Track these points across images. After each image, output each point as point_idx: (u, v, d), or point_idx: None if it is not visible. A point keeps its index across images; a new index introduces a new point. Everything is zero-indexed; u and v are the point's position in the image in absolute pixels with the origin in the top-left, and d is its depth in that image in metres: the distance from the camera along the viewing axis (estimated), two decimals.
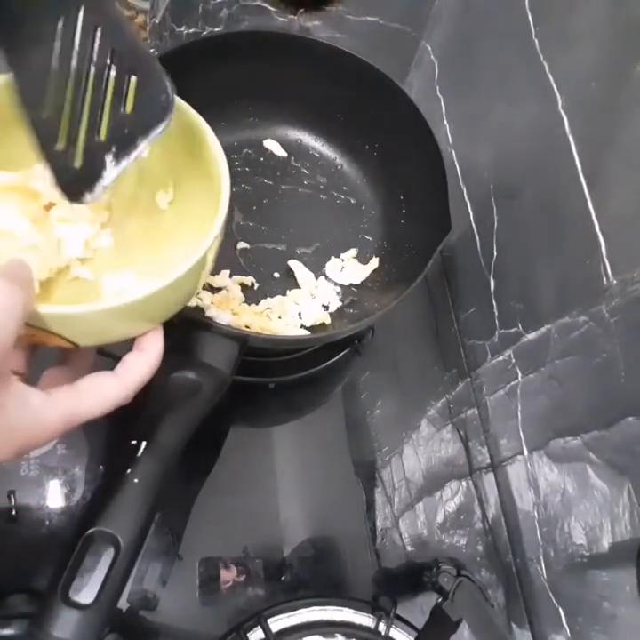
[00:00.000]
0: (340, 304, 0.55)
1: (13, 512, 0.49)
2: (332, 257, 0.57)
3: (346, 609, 0.48)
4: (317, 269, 0.56)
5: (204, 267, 0.34)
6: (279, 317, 0.52)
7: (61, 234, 0.36)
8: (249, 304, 0.52)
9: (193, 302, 0.49)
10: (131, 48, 0.30)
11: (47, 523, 0.49)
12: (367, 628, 0.48)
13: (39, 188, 0.36)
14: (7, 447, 0.27)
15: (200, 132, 0.37)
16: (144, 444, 0.36)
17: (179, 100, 0.36)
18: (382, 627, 0.47)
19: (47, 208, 0.37)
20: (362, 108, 0.58)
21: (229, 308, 0.50)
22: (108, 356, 0.39)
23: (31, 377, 0.32)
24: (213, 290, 0.52)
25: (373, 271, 0.57)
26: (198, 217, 0.36)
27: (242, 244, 0.56)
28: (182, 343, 0.42)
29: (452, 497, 0.59)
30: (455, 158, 0.65)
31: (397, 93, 0.54)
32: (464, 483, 0.59)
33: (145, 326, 0.33)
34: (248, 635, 0.46)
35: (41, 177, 0.36)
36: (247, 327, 0.49)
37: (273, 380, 0.58)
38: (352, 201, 0.61)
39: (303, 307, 0.53)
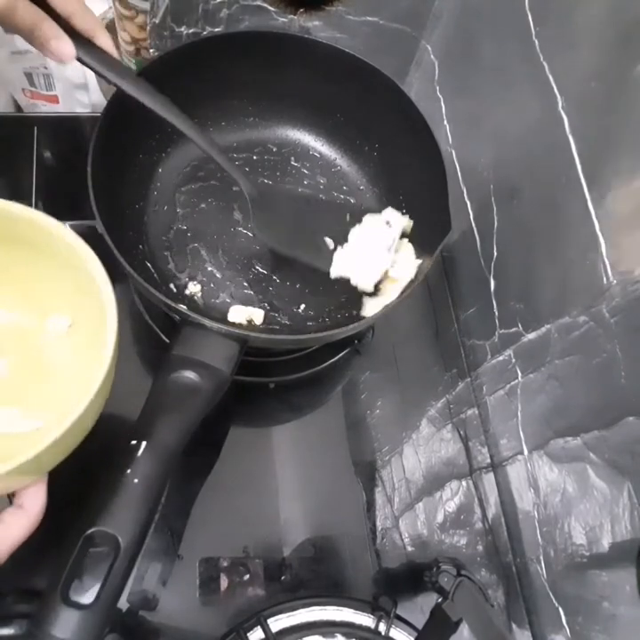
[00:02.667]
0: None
1: None
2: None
3: (346, 609, 0.48)
4: None
5: (96, 405, 0.32)
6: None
7: None
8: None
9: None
10: None
11: (47, 523, 0.49)
12: (367, 628, 0.48)
13: None
14: None
15: (86, 263, 0.35)
16: (144, 443, 0.36)
17: (67, 231, 0.35)
18: (382, 627, 0.47)
19: None
20: (362, 108, 0.58)
21: None
22: None
23: None
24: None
25: None
26: (92, 347, 0.34)
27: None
28: (182, 343, 0.42)
29: (452, 497, 0.59)
30: (455, 158, 0.65)
31: (397, 93, 0.54)
32: (464, 483, 0.59)
33: (27, 480, 0.30)
34: (248, 635, 0.46)
35: None
36: (249, 322, 0.49)
37: (273, 380, 0.58)
38: (352, 201, 0.61)
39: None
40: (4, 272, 0.38)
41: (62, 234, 0.35)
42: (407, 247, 0.54)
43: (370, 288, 0.52)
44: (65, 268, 0.36)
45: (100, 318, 0.34)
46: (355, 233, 0.53)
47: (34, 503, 0.30)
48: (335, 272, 0.52)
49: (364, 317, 0.52)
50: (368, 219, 0.54)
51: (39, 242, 0.35)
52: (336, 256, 0.52)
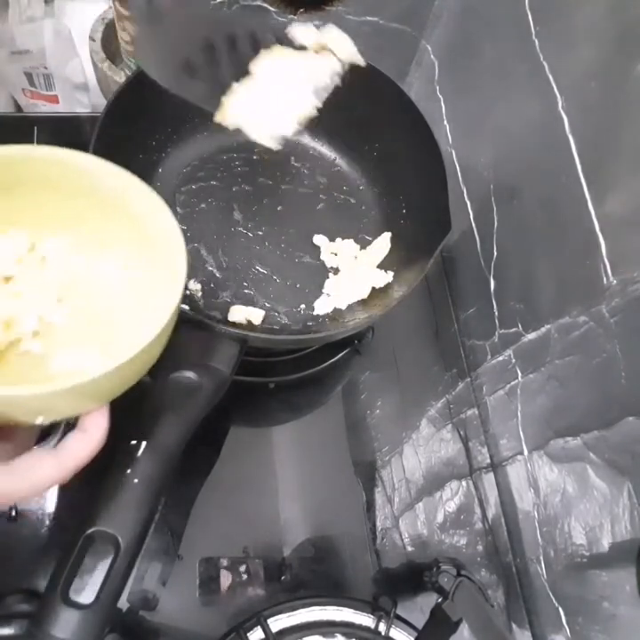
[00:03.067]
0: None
1: (13, 512, 0.49)
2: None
3: (346, 609, 0.48)
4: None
5: (158, 344, 0.32)
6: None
7: (15, 308, 0.36)
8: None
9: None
10: None
11: (47, 523, 0.49)
12: (367, 628, 0.48)
13: None
14: None
15: (154, 207, 0.35)
16: (144, 443, 0.36)
17: (132, 178, 0.35)
18: (382, 627, 0.47)
19: (5, 281, 0.36)
20: (362, 108, 0.58)
21: None
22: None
23: None
24: None
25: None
26: (160, 289, 0.35)
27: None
28: (182, 343, 0.42)
29: (452, 497, 0.59)
30: (455, 158, 0.65)
31: (397, 93, 0.54)
32: (464, 483, 0.59)
33: (90, 406, 0.32)
34: (248, 635, 0.46)
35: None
36: (249, 322, 0.49)
37: (273, 380, 0.58)
38: (352, 201, 0.61)
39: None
40: (58, 216, 0.38)
41: (124, 177, 0.35)
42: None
43: (272, 145, 0.40)
44: (135, 214, 0.37)
45: (159, 254, 0.35)
46: (263, 63, 0.39)
47: (96, 427, 0.31)
48: (226, 119, 0.39)
49: (363, 317, 0.52)
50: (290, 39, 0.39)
51: (96, 186, 0.36)
52: (232, 98, 0.39)
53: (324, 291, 0.55)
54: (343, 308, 0.54)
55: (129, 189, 0.35)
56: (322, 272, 0.56)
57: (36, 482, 0.30)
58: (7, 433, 0.32)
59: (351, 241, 0.58)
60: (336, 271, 0.56)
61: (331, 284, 0.55)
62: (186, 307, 0.43)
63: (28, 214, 0.37)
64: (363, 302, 0.55)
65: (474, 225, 0.63)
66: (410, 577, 0.55)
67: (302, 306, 0.54)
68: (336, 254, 0.57)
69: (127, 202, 0.36)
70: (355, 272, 0.56)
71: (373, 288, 0.55)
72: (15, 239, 0.37)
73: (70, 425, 0.33)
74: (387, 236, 0.57)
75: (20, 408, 0.29)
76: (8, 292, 0.36)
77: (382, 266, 0.56)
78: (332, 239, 0.58)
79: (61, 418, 0.32)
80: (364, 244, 0.58)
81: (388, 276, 0.55)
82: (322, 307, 0.54)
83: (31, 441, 0.33)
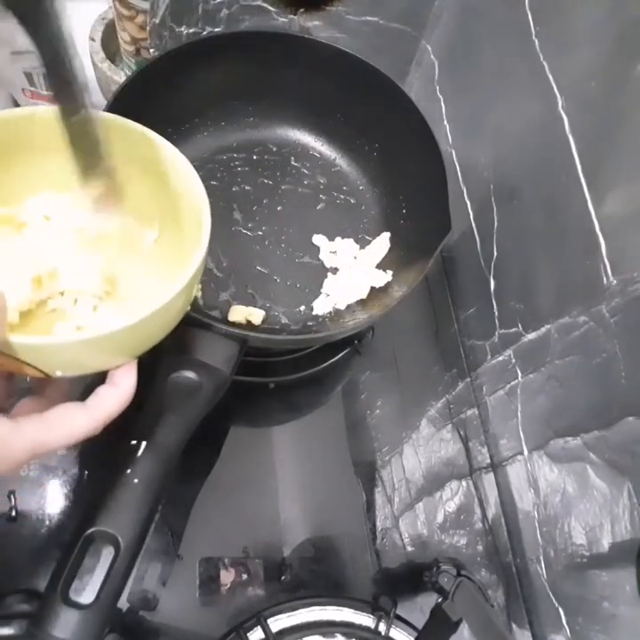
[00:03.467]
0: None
1: (13, 512, 0.49)
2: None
3: (346, 609, 0.48)
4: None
5: (182, 301, 0.33)
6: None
7: (44, 266, 0.36)
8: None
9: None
10: None
11: (47, 523, 0.49)
12: (367, 628, 0.48)
13: (27, 220, 0.37)
14: None
15: (179, 168, 0.36)
16: (144, 443, 0.36)
17: (159, 138, 0.36)
18: (382, 627, 0.47)
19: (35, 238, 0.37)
20: (362, 107, 0.58)
21: None
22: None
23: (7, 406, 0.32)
24: None
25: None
26: (184, 248, 0.36)
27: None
28: (182, 343, 0.42)
29: (452, 497, 0.59)
30: (455, 158, 0.65)
31: (397, 93, 0.54)
32: (464, 483, 0.59)
33: (119, 359, 0.32)
34: (248, 635, 0.46)
35: (32, 210, 0.36)
36: (249, 321, 0.49)
37: (273, 380, 0.58)
38: (352, 201, 0.61)
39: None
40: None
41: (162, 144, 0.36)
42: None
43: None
44: (159, 178, 0.37)
45: (182, 212, 0.36)
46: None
47: (126, 381, 0.32)
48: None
49: (363, 317, 0.52)
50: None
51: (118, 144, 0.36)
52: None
53: (322, 290, 0.55)
54: (342, 307, 0.54)
55: (150, 145, 0.36)
56: (322, 272, 0.56)
57: (68, 432, 0.30)
58: (40, 387, 0.34)
59: (351, 241, 0.58)
60: (335, 271, 0.56)
61: (329, 283, 0.55)
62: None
63: (54, 176, 0.37)
64: (362, 302, 0.55)
65: (474, 225, 0.63)
66: (410, 577, 0.55)
67: (302, 306, 0.54)
68: (335, 253, 0.57)
69: (149, 159, 0.37)
70: (354, 272, 0.56)
71: (373, 288, 0.55)
72: (43, 198, 0.38)
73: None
74: (386, 235, 0.57)
75: (49, 358, 0.29)
76: (37, 251, 0.37)
77: (382, 266, 0.56)
78: (331, 239, 0.58)
79: (93, 371, 0.32)
80: (363, 244, 0.58)
81: (388, 276, 0.55)
82: (321, 306, 0.54)
83: (64, 397, 0.34)
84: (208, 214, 0.34)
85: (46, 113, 0.34)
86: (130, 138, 0.36)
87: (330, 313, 0.54)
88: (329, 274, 0.56)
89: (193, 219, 0.35)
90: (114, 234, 0.39)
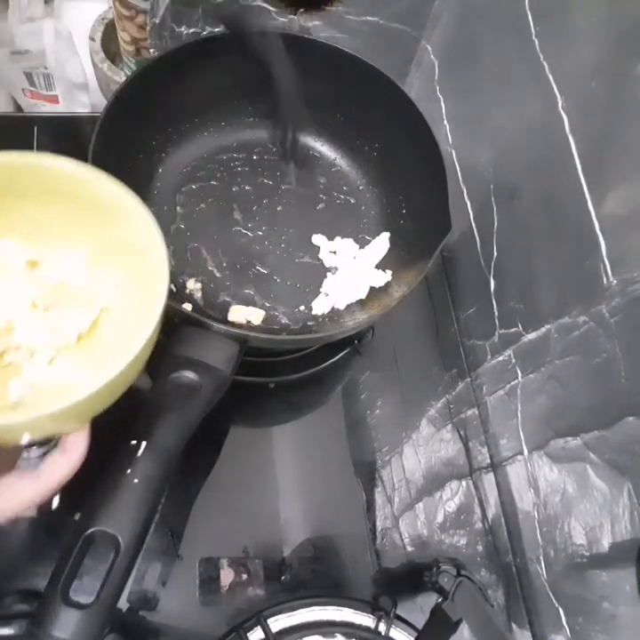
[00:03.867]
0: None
1: None
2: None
3: (346, 609, 0.48)
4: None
5: (136, 367, 0.32)
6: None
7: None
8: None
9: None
10: None
11: (47, 523, 0.49)
12: (367, 628, 0.48)
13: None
14: None
15: (139, 218, 0.35)
16: (144, 444, 0.35)
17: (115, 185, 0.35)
18: (382, 627, 0.47)
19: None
20: (362, 107, 0.58)
21: None
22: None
23: None
24: None
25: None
26: (143, 306, 0.34)
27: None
28: (182, 343, 0.42)
29: (452, 497, 0.59)
30: (455, 158, 0.65)
31: (397, 93, 0.54)
32: (464, 483, 0.59)
33: (70, 427, 0.32)
34: (248, 635, 0.46)
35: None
36: (249, 321, 0.49)
37: (273, 380, 0.58)
38: (352, 201, 0.61)
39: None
40: (42, 224, 0.37)
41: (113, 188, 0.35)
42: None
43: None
44: (124, 230, 0.36)
45: (145, 275, 0.34)
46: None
47: (76, 447, 0.33)
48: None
49: (363, 317, 0.52)
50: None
51: (96, 200, 0.35)
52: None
53: (322, 290, 0.55)
54: (342, 307, 0.54)
55: (117, 198, 0.35)
56: (322, 272, 0.56)
57: (16, 502, 0.31)
58: None
59: (350, 240, 0.58)
60: (334, 271, 0.56)
61: (329, 283, 0.55)
62: (187, 306, 0.43)
63: (14, 223, 0.36)
64: (361, 302, 0.55)
65: (474, 225, 0.63)
66: (410, 577, 0.55)
67: (302, 306, 0.54)
68: (335, 253, 0.57)
69: (117, 213, 0.35)
70: (353, 272, 0.56)
71: (372, 288, 0.55)
72: (4, 246, 0.37)
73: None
74: (385, 236, 0.57)
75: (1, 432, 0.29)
76: None
77: (381, 266, 0.56)
78: (331, 239, 0.58)
79: (42, 439, 0.32)
80: (363, 244, 0.58)
81: (387, 276, 0.55)
82: (320, 306, 0.54)
83: (14, 459, 0.34)
84: (165, 266, 0.33)
85: (18, 158, 0.33)
86: (77, 184, 0.35)
87: (329, 313, 0.54)
88: (328, 274, 0.56)
89: (152, 272, 0.34)
90: (73, 285, 0.38)
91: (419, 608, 0.51)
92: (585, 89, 0.45)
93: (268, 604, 0.48)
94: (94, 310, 0.38)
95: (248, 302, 0.53)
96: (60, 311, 0.38)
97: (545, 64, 0.48)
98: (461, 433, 0.62)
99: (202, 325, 0.42)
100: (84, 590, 0.31)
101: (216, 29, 0.60)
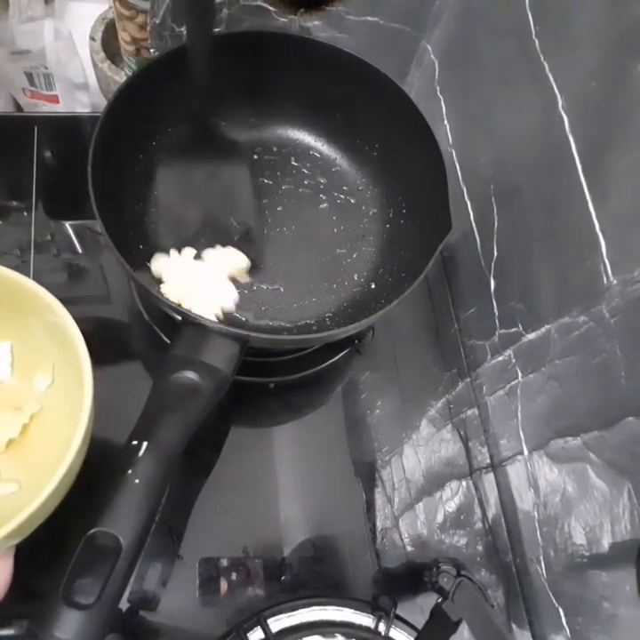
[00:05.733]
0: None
1: None
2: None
3: (346, 609, 0.48)
4: None
5: (68, 480, 0.33)
6: None
7: None
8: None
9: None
10: None
11: (47, 523, 0.49)
12: (367, 628, 0.48)
13: None
14: None
15: (68, 333, 0.36)
16: (145, 444, 0.36)
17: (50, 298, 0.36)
18: (382, 627, 0.48)
19: None
20: (362, 107, 0.58)
21: None
22: None
23: None
24: None
25: (373, 271, 0.57)
26: (69, 409, 0.35)
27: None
28: (183, 343, 0.42)
29: (452, 497, 0.59)
30: (455, 158, 0.65)
31: (397, 93, 0.54)
32: (464, 483, 0.60)
33: None
34: (248, 635, 0.46)
35: None
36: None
37: (273, 380, 0.58)
38: (352, 201, 0.61)
39: None
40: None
41: (43, 295, 0.36)
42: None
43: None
44: (47, 330, 0.37)
45: (78, 380, 0.35)
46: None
47: (1, 575, 0.32)
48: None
49: (363, 317, 0.52)
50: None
51: (23, 303, 0.36)
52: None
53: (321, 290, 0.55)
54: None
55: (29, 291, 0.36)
56: (323, 272, 0.56)
57: None
58: None
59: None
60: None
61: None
62: (185, 307, 0.43)
63: None
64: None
65: (474, 225, 0.63)
66: (410, 577, 0.55)
67: (302, 306, 0.54)
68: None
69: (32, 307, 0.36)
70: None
71: (372, 288, 0.55)
72: None
73: None
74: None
75: None
76: None
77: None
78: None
79: None
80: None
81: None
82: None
83: None
84: (87, 361, 0.33)
85: None
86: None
87: (330, 313, 0.54)
88: (328, 274, 0.56)
89: (79, 368, 0.34)
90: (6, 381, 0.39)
91: (419, 608, 0.51)
92: (585, 89, 0.45)
93: (268, 604, 0.48)
94: (24, 416, 0.39)
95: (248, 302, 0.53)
96: None
97: (545, 64, 0.48)
98: (461, 433, 0.62)
99: (202, 325, 0.42)
100: (86, 591, 0.31)
101: (216, 29, 0.60)
